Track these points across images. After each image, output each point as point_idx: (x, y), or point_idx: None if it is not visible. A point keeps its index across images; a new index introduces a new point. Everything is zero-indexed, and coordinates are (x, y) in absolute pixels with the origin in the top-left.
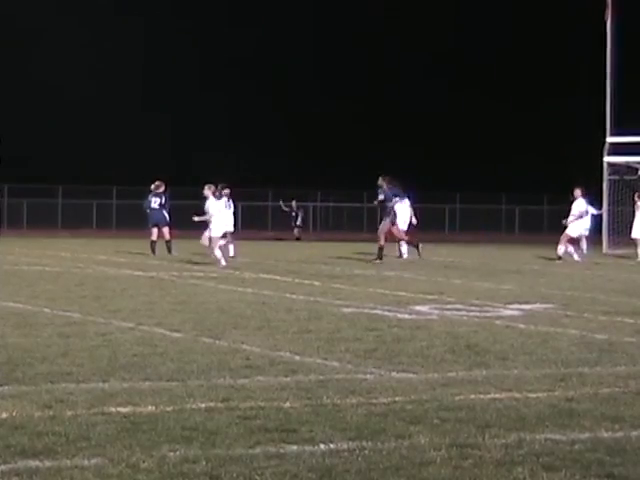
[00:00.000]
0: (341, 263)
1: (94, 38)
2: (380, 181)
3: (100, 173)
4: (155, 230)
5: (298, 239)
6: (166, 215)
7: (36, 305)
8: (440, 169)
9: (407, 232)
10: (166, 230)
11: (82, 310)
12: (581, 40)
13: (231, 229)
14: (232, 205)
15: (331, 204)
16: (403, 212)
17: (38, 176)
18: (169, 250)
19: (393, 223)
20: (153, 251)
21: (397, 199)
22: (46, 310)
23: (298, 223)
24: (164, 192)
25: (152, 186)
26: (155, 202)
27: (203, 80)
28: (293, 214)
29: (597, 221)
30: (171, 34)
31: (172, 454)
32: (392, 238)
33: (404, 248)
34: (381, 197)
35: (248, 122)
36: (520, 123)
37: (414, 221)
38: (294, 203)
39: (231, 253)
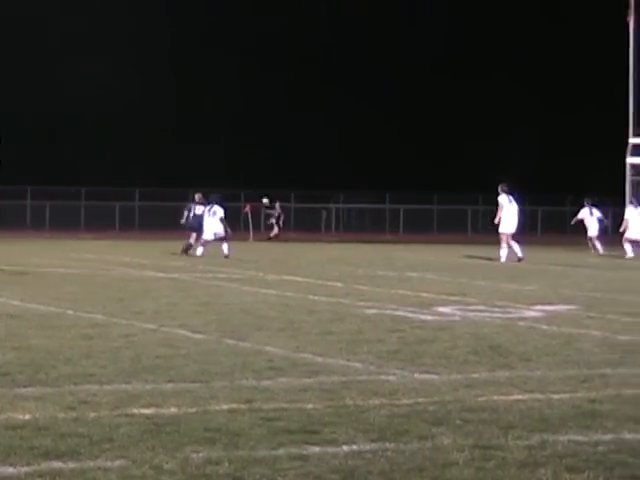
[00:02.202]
0: (363, 264)
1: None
2: None
3: (123, 175)
4: (194, 234)
5: (269, 239)
6: (202, 223)
7: (60, 307)
8: (456, 170)
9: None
10: (195, 235)
11: (105, 312)
12: (603, 41)
13: (218, 233)
14: (217, 212)
15: (353, 205)
16: (510, 214)
17: (61, 178)
18: (186, 250)
19: None
20: (186, 252)
21: None
22: (69, 312)
23: (271, 222)
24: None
25: (195, 197)
26: (199, 209)
27: (234, 80)
28: (276, 214)
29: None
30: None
31: (195, 455)
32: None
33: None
34: None
35: (269, 124)
36: (543, 124)
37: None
38: (277, 204)
39: (225, 251)
